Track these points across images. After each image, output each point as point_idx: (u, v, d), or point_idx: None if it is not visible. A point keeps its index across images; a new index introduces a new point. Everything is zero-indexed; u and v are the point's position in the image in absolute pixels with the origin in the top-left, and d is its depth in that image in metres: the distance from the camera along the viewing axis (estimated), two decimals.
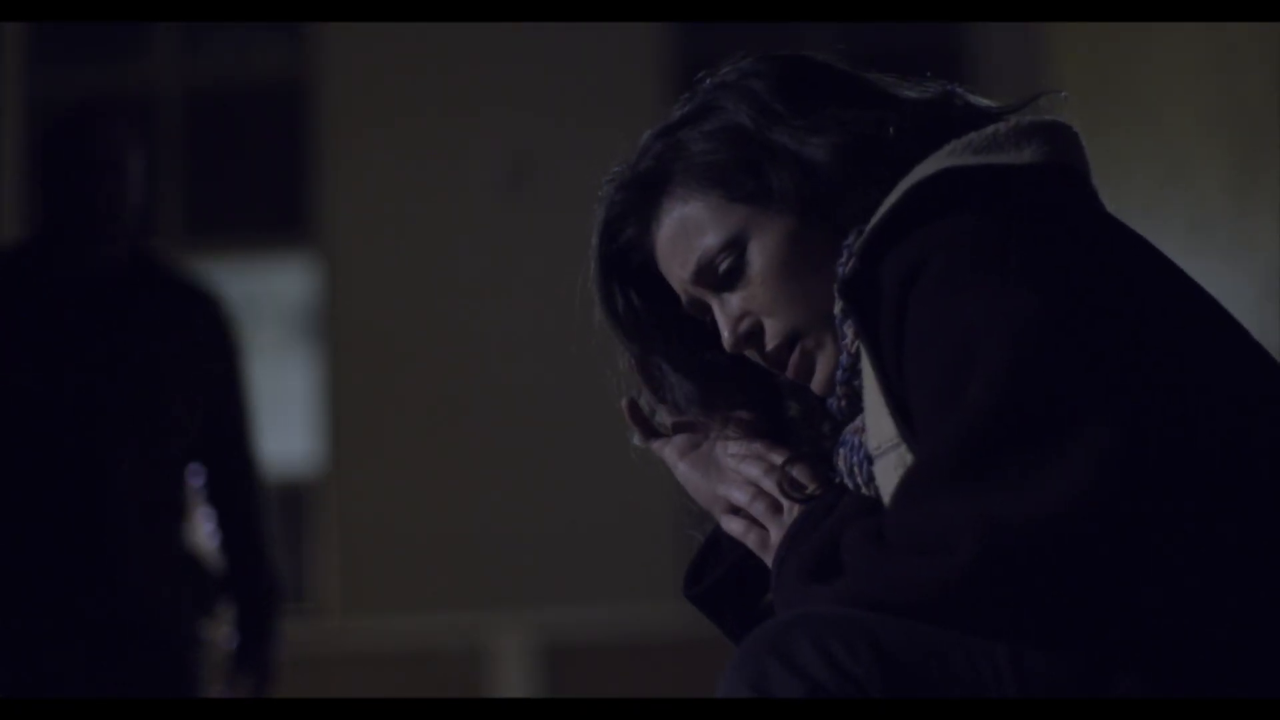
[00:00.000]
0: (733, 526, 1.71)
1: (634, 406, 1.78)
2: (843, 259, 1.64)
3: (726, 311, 1.70)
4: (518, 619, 7.08)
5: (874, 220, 1.59)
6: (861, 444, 1.64)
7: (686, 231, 1.69)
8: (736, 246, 1.68)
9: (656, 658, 6.86)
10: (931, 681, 1.47)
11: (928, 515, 1.47)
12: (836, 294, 1.64)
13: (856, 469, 1.65)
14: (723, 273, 1.69)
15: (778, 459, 1.71)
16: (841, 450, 1.68)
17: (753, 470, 1.71)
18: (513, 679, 7.03)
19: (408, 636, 7.13)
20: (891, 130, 1.64)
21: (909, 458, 1.55)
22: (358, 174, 7.55)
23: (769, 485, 1.70)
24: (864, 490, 1.64)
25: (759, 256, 1.67)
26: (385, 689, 6.87)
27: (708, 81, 1.72)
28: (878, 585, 1.49)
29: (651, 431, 1.79)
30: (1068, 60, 5.96)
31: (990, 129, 1.61)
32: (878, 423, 1.59)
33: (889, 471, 1.58)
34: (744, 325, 1.69)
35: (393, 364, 7.45)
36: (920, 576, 1.47)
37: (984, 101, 1.70)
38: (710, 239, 1.68)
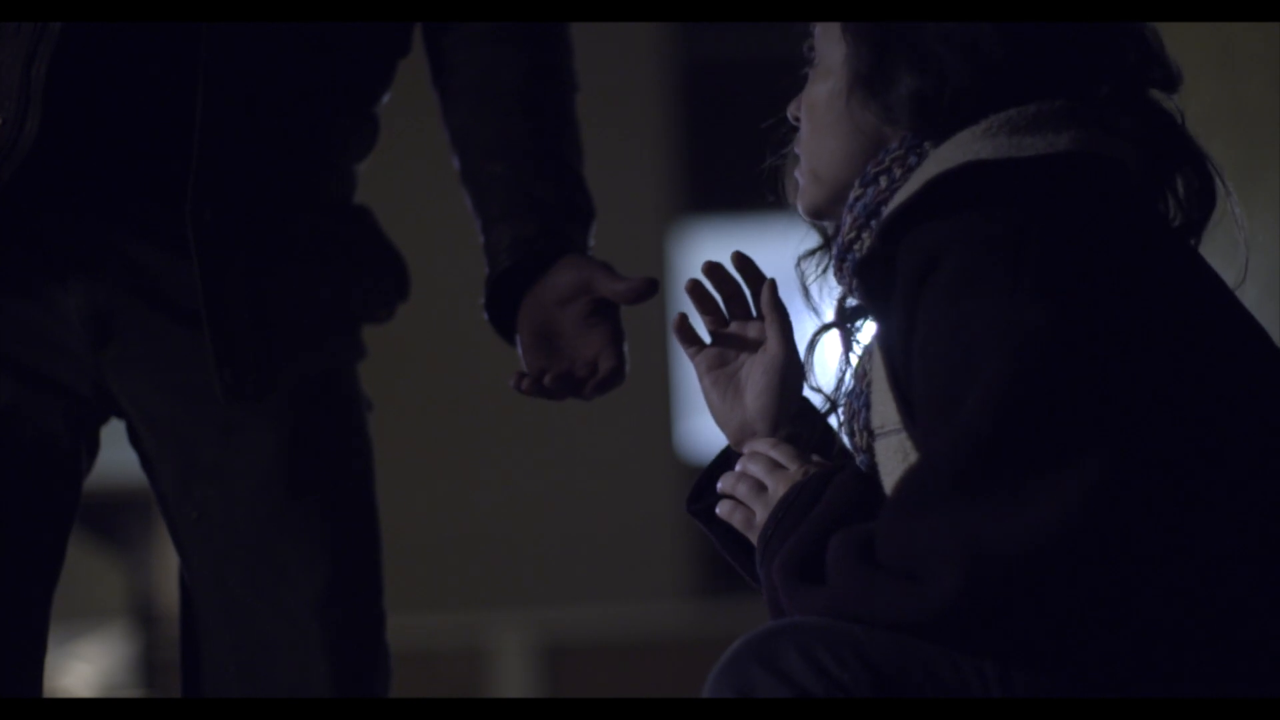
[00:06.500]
0: (720, 507, 1.75)
1: (683, 320, 1.84)
2: (870, 168, 1.68)
3: (800, 96, 1.79)
4: (518, 619, 7.08)
5: (896, 202, 1.60)
6: (864, 392, 1.67)
7: (825, 29, 1.77)
8: (816, 67, 1.77)
9: (656, 658, 6.86)
10: (918, 692, 1.47)
11: (916, 536, 1.48)
12: (853, 277, 1.65)
13: (856, 425, 1.68)
14: (803, 76, 1.79)
15: (763, 447, 1.74)
16: (846, 398, 1.72)
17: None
18: (513, 679, 7.03)
19: (408, 636, 7.14)
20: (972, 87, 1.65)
21: (908, 445, 1.57)
22: None
23: (752, 468, 1.73)
24: (856, 439, 1.67)
25: (811, 90, 1.76)
26: None
27: None
28: (862, 605, 1.50)
29: (693, 340, 1.85)
30: None
31: (1033, 108, 1.61)
32: (883, 402, 1.60)
33: (890, 454, 1.60)
34: (792, 120, 1.79)
35: (391, 363, 7.45)
36: (903, 603, 1.48)
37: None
38: (820, 48, 1.77)
